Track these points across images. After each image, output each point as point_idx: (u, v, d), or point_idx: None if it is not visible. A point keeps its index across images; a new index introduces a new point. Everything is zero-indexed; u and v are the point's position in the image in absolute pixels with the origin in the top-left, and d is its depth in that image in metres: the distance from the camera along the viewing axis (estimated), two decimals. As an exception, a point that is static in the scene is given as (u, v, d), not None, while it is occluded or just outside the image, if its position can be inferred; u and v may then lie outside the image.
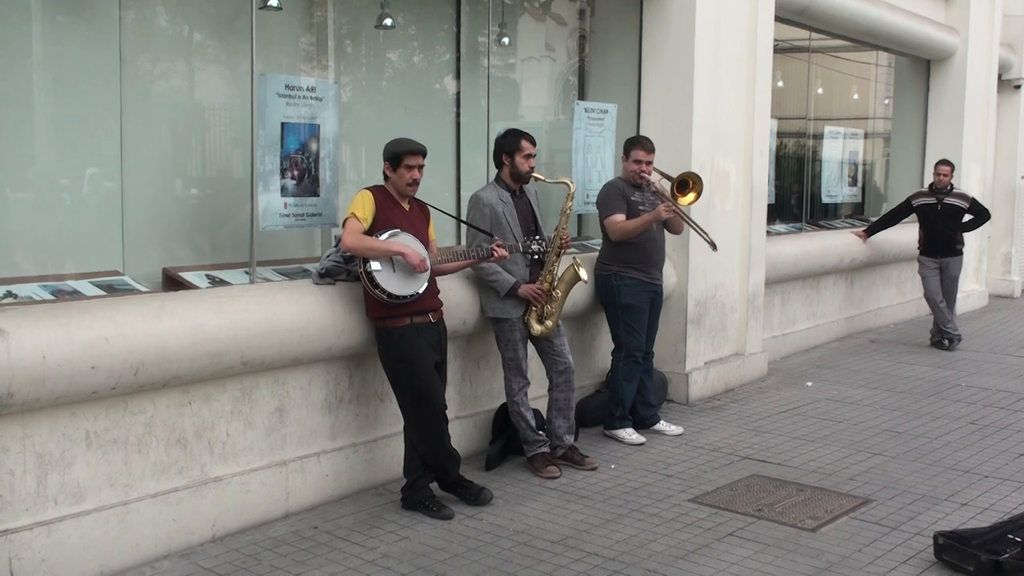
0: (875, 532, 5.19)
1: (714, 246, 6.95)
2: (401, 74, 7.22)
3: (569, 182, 6.27)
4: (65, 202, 5.32)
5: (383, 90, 7.08)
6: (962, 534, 4.83)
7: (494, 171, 6.30)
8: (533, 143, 6.05)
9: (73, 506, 4.46)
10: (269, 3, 5.78)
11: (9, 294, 4.67)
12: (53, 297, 4.76)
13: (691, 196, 6.74)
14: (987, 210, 10.68)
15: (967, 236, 10.76)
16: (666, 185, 6.88)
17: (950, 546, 4.74)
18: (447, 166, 7.21)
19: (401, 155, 5.26)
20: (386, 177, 5.34)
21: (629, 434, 6.78)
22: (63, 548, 4.38)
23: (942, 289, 10.39)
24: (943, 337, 10.43)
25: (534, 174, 6.08)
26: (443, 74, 7.43)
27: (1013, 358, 9.99)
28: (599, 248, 7.04)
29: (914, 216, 10.63)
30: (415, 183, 5.33)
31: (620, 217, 6.64)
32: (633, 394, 6.86)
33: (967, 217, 10.45)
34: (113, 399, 4.56)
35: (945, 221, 10.34)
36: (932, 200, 10.39)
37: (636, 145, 6.82)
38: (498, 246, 5.59)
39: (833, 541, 5.06)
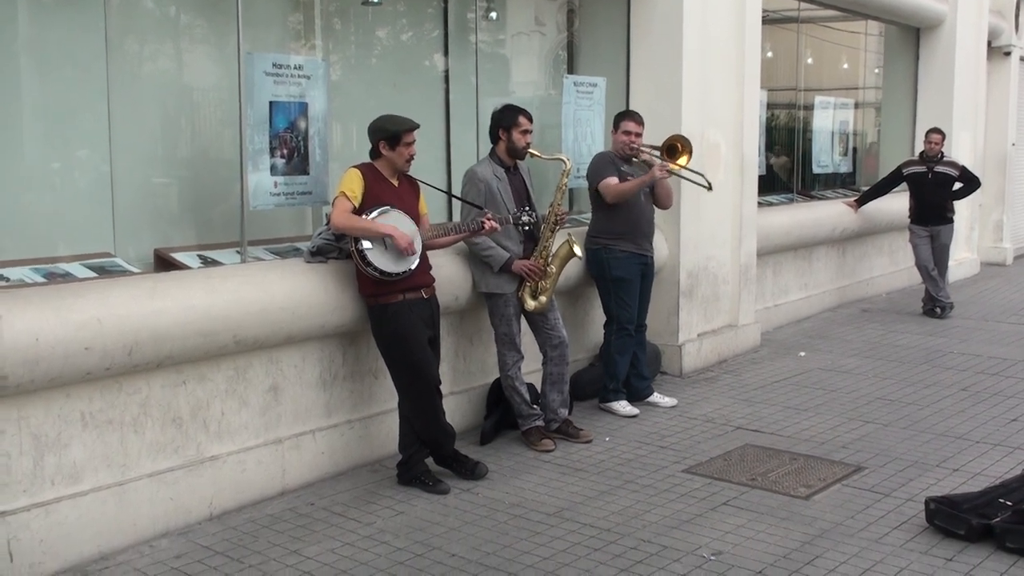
0: (867, 499, 5.23)
1: (710, 186, 6.91)
2: (389, 51, 7.20)
3: (565, 158, 6.27)
4: (55, 185, 5.31)
5: (371, 67, 7.06)
6: (953, 499, 4.87)
7: (484, 147, 6.30)
8: (530, 119, 6.05)
9: (70, 487, 4.48)
10: (255, -19, 5.76)
11: (0, 277, 4.66)
12: (45, 280, 4.76)
13: (684, 159, 6.78)
14: (977, 178, 10.70)
15: (958, 204, 10.79)
16: (656, 156, 6.87)
17: (941, 511, 4.78)
18: (437, 142, 7.19)
19: (399, 133, 5.27)
20: (377, 154, 5.34)
21: (623, 406, 6.81)
22: (61, 528, 4.40)
23: (933, 258, 10.42)
24: (935, 305, 10.47)
25: (530, 150, 6.08)
26: (432, 50, 7.41)
27: (1005, 325, 10.04)
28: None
29: (905, 185, 10.65)
30: (411, 159, 5.35)
31: (613, 180, 6.65)
32: (626, 367, 6.89)
33: (957, 185, 10.47)
34: (107, 380, 4.58)
35: (936, 189, 10.36)
36: (923, 168, 10.41)
37: (626, 117, 6.84)
38: (488, 218, 5.61)
39: (826, 508, 5.11)
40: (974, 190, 10.76)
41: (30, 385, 4.24)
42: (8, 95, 5.13)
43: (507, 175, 6.07)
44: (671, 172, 6.68)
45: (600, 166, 6.77)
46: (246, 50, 5.53)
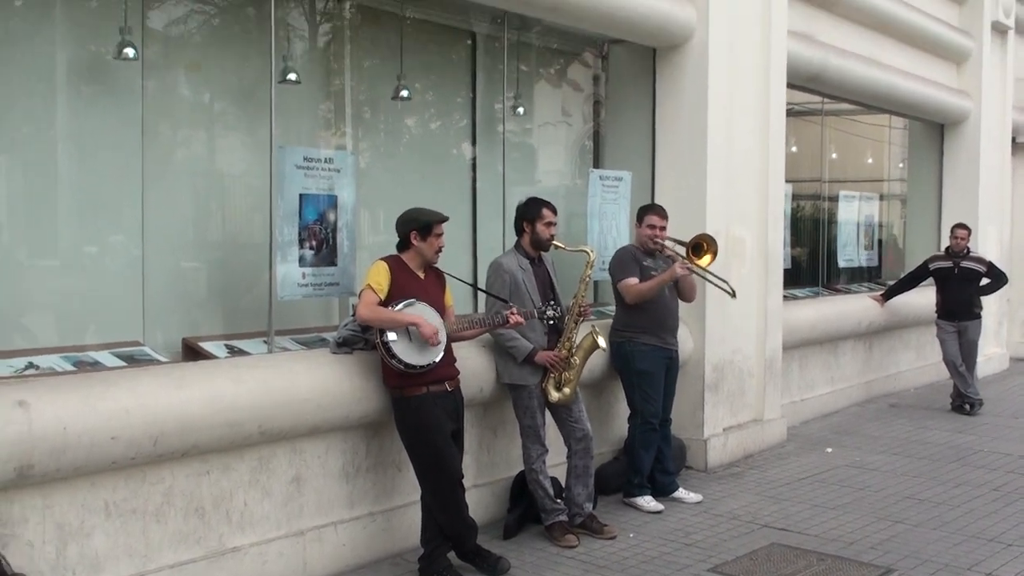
0: (898, 603, 5.12)
1: (733, 293, 6.90)
2: (418, 141, 7.33)
3: (589, 250, 6.31)
4: (87, 272, 5.40)
5: (400, 157, 7.18)
6: (986, 605, 4.77)
7: (511, 236, 6.36)
8: (554, 211, 6.12)
9: (91, 577, 4.46)
10: (288, 77, 5.90)
11: (31, 365, 4.72)
12: (74, 368, 4.80)
13: (707, 258, 6.73)
14: (1004, 274, 10.66)
15: (986, 299, 10.72)
16: (680, 250, 6.88)
17: (974, 617, 4.67)
18: (464, 232, 7.27)
19: (431, 224, 5.35)
20: (405, 246, 5.39)
21: (648, 502, 6.73)
22: (80, 620, 4.37)
23: (961, 353, 10.33)
24: (964, 401, 10.35)
25: (554, 242, 6.13)
26: (459, 140, 7.54)
27: (1035, 422, 9.91)
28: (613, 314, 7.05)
29: (931, 279, 10.62)
30: (440, 250, 5.45)
31: (633, 280, 6.66)
32: (651, 461, 6.83)
33: (984, 281, 10.43)
34: (132, 469, 4.58)
35: (962, 285, 10.31)
36: (949, 264, 10.38)
37: (650, 211, 6.87)
38: (513, 312, 5.63)
39: (855, 612, 5.00)
40: (1002, 286, 10.71)
41: (56, 474, 4.25)
42: (46, 182, 5.27)
43: (532, 266, 6.11)
44: (691, 271, 6.68)
45: (622, 263, 6.78)
46: (278, 141, 5.64)
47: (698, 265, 6.70)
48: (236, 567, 4.98)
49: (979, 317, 10.47)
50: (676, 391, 7.08)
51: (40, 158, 5.25)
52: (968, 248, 10.40)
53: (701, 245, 6.73)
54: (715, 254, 6.74)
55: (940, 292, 10.49)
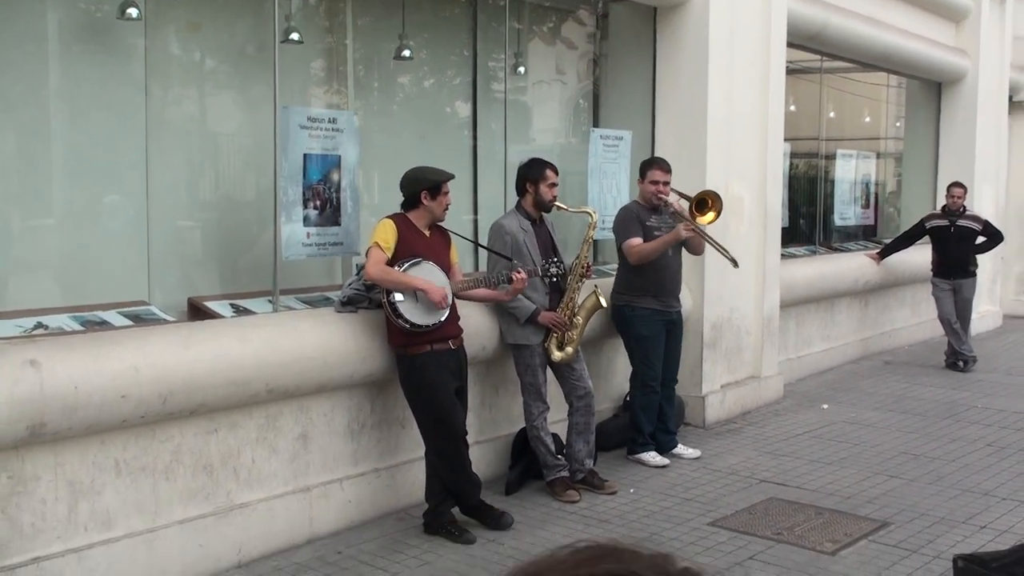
0: (894, 555, 5.22)
1: (735, 263, 6.94)
2: (418, 101, 7.33)
3: (591, 211, 6.33)
4: (93, 233, 5.42)
5: (401, 118, 7.18)
6: (982, 557, 4.85)
7: (512, 195, 6.38)
8: (556, 172, 6.13)
9: (103, 533, 4.53)
10: (291, 37, 5.89)
11: (40, 325, 4.76)
12: (83, 328, 4.85)
13: (710, 215, 6.72)
14: (1000, 232, 10.71)
15: (981, 257, 10.78)
16: (684, 205, 6.89)
17: (970, 569, 4.76)
18: (464, 191, 7.29)
19: (440, 183, 5.40)
20: (413, 205, 5.43)
21: (652, 457, 6.82)
22: (93, 575, 4.44)
23: (956, 311, 10.40)
24: (958, 359, 10.44)
25: (556, 203, 6.16)
26: (459, 99, 7.54)
27: (1029, 379, 10.01)
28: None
29: (927, 237, 10.67)
30: (448, 207, 5.50)
31: (637, 240, 6.66)
32: (653, 422, 6.89)
33: (980, 239, 10.48)
34: (142, 427, 4.65)
35: (958, 243, 10.36)
36: (945, 222, 10.42)
37: (653, 165, 6.83)
38: (517, 271, 5.68)
39: (853, 564, 5.10)
40: (997, 244, 10.77)
41: (67, 432, 4.31)
42: (49, 144, 5.27)
43: (533, 227, 6.14)
44: (695, 233, 6.67)
45: (625, 223, 6.77)
46: (281, 102, 5.65)
47: (701, 223, 6.71)
48: (244, 522, 5.06)
49: (974, 275, 10.54)
50: (673, 352, 7.11)
51: (40, 118, 5.26)
52: (964, 207, 10.44)
53: (706, 201, 6.73)
54: (719, 212, 6.74)
55: (936, 250, 10.55)
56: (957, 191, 10.38)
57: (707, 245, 6.90)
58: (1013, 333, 13.13)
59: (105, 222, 5.51)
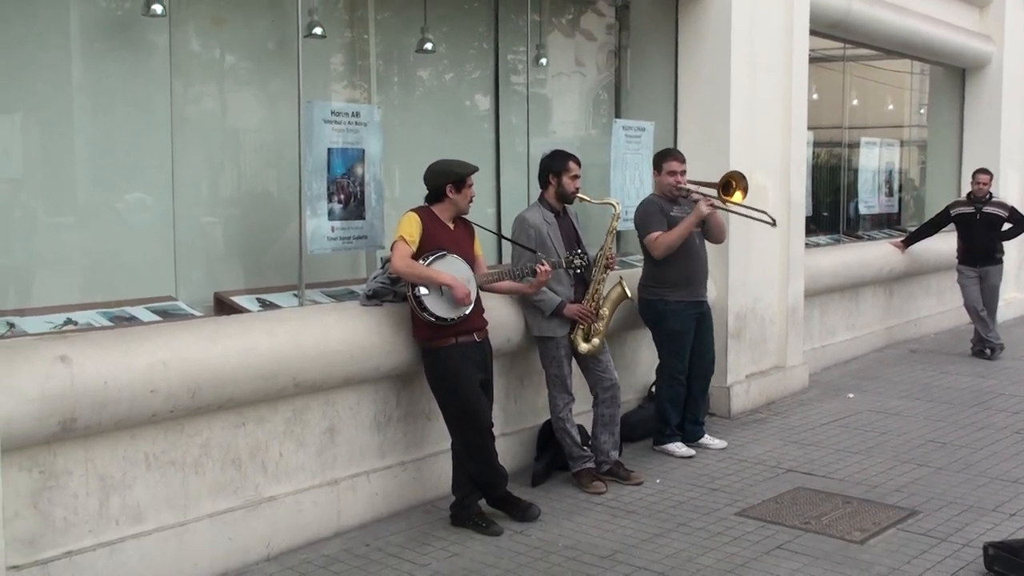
0: (924, 544, 5.20)
1: (774, 222, 6.87)
2: (439, 94, 7.33)
3: (614, 203, 6.32)
4: (119, 228, 5.46)
5: (423, 111, 7.18)
6: (1012, 544, 4.83)
7: (534, 188, 6.38)
8: (579, 164, 6.12)
9: (133, 527, 4.57)
10: (314, 32, 5.91)
11: (69, 321, 4.80)
12: (111, 323, 4.89)
13: (738, 195, 6.65)
14: (1027, 218, 10.63)
15: (1007, 244, 10.70)
16: (707, 192, 6.81)
17: (1000, 557, 4.74)
18: (487, 184, 7.29)
19: (465, 176, 5.41)
20: (438, 198, 5.44)
21: (679, 447, 6.81)
22: (124, 569, 4.48)
23: (982, 298, 10.34)
24: (985, 346, 10.38)
25: (579, 195, 6.15)
26: (480, 93, 7.54)
27: (1056, 366, 9.93)
28: (640, 265, 7.07)
29: (952, 225, 10.60)
30: (472, 200, 5.52)
31: (657, 233, 6.63)
32: (679, 414, 6.89)
33: (1007, 226, 10.40)
34: (171, 422, 4.68)
35: (984, 230, 10.29)
36: (971, 209, 10.35)
37: (668, 157, 6.79)
38: (541, 263, 5.68)
39: (882, 553, 5.08)
40: (1023, 231, 10.68)
41: (97, 427, 4.35)
42: (76, 140, 5.32)
43: (557, 219, 6.13)
44: (716, 207, 6.63)
45: (647, 216, 6.71)
46: (304, 96, 5.66)
47: (730, 202, 6.66)
48: (272, 516, 5.09)
49: (1000, 262, 10.46)
50: (706, 341, 7.05)
51: (65, 115, 5.29)
52: (990, 193, 10.37)
53: (730, 183, 6.66)
54: (746, 190, 6.66)
55: (962, 238, 10.48)
56: (983, 178, 10.30)
57: (728, 243, 6.82)
58: (1040, 320, 13.03)
59: (131, 218, 5.55)
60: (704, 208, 6.52)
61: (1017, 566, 4.65)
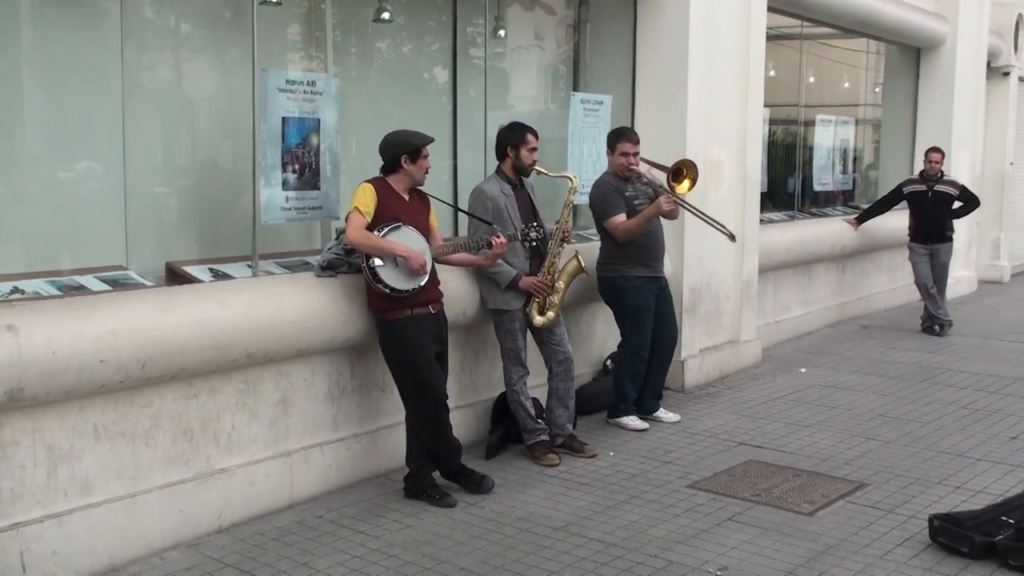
0: (871, 515, 5.28)
1: (732, 237, 6.95)
2: (397, 66, 7.27)
3: (572, 176, 6.32)
4: (69, 197, 5.36)
5: (380, 82, 7.12)
6: (956, 516, 4.92)
7: (491, 160, 6.36)
8: (536, 136, 6.11)
9: (82, 498, 4.52)
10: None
11: (16, 290, 4.71)
12: (60, 293, 4.81)
13: (686, 184, 6.68)
14: (976, 197, 10.78)
15: (957, 222, 10.85)
16: (659, 175, 6.89)
17: (945, 528, 4.83)
18: (444, 156, 7.25)
19: (420, 147, 5.37)
20: (393, 169, 5.39)
21: (633, 421, 6.85)
22: (73, 540, 4.44)
23: (932, 275, 10.49)
24: (934, 323, 10.54)
25: (537, 167, 6.13)
26: (438, 65, 7.48)
27: (1003, 343, 10.11)
28: (596, 238, 7.07)
29: (904, 203, 10.72)
30: (427, 171, 5.48)
31: (621, 218, 6.61)
32: (637, 390, 6.92)
33: (957, 204, 10.54)
34: (121, 392, 4.62)
35: (935, 208, 10.43)
36: (923, 187, 10.48)
37: (622, 137, 6.75)
38: (497, 236, 5.67)
39: (830, 525, 5.16)
40: (973, 209, 10.83)
41: (45, 397, 4.29)
42: (25, 108, 5.19)
43: (513, 191, 6.12)
44: (677, 204, 6.64)
45: (605, 199, 6.69)
46: (260, 66, 5.59)
47: (678, 193, 6.69)
48: (224, 488, 5.06)
49: (951, 240, 10.62)
50: (668, 314, 7.08)
51: (14, 84, 5.17)
52: (942, 172, 10.50)
53: (681, 170, 6.71)
54: (694, 181, 6.71)
55: (913, 215, 10.61)
56: (935, 156, 10.43)
57: (684, 216, 6.87)
58: (988, 297, 13.25)
59: (81, 187, 5.44)
60: (665, 206, 6.53)
61: (961, 537, 4.74)
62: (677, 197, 6.65)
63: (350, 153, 6.71)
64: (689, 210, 6.85)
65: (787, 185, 11.35)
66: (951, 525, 4.82)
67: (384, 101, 7.05)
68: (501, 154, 6.15)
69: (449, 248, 5.72)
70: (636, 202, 6.71)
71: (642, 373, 6.92)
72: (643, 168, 6.82)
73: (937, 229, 10.46)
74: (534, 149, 6.08)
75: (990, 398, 7.80)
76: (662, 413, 7.08)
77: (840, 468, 6.06)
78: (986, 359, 9.27)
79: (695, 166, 6.73)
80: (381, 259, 5.22)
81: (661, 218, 6.88)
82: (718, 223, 6.91)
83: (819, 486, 5.74)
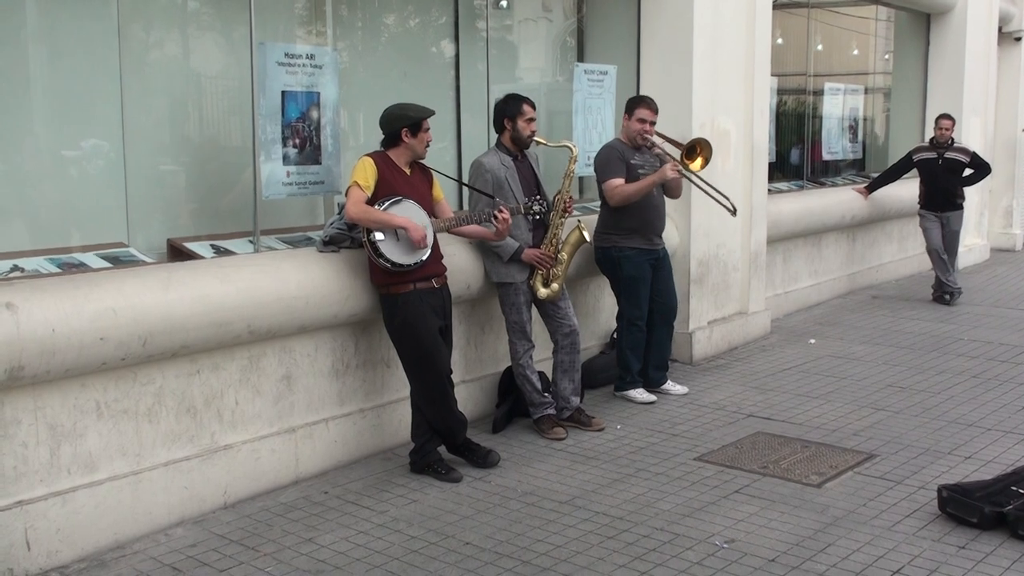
0: (880, 486, 5.24)
1: (734, 210, 6.88)
2: (399, 39, 7.20)
3: (571, 146, 6.26)
4: (68, 175, 5.33)
5: (383, 55, 7.05)
6: (966, 487, 4.88)
7: (494, 134, 6.30)
8: (533, 107, 6.04)
9: (86, 476, 4.51)
10: (266, -29, 5.76)
11: (16, 268, 4.69)
12: (60, 270, 4.78)
13: (698, 161, 6.59)
14: (988, 164, 10.66)
15: (968, 190, 10.75)
16: (671, 150, 6.79)
17: (954, 499, 4.79)
18: (448, 130, 7.19)
19: (420, 120, 5.32)
20: (393, 143, 5.34)
21: (640, 393, 6.82)
22: (77, 517, 4.43)
23: (943, 243, 10.40)
24: (944, 291, 10.46)
25: (535, 138, 6.07)
26: (441, 38, 7.41)
27: (1014, 311, 10.02)
28: (599, 210, 7.02)
29: (915, 171, 10.62)
30: (428, 144, 5.42)
31: (619, 181, 6.57)
32: (640, 361, 6.87)
33: (968, 171, 10.44)
34: (122, 370, 4.61)
35: (946, 175, 10.33)
36: (933, 155, 10.37)
37: (641, 104, 6.70)
38: (500, 209, 5.61)
39: (838, 496, 5.12)
40: (984, 176, 10.72)
41: (46, 375, 4.27)
42: (21, 85, 5.15)
43: (514, 163, 6.06)
44: (682, 175, 6.58)
45: (608, 162, 6.63)
46: (257, 39, 5.53)
47: (690, 169, 6.61)
48: (229, 464, 5.05)
49: (961, 208, 10.52)
50: (666, 284, 7.02)
51: (15, 61, 5.13)
52: (952, 139, 10.39)
53: (695, 148, 6.60)
54: (707, 160, 6.62)
55: (924, 183, 10.51)
56: (945, 123, 10.31)
57: (691, 187, 6.80)
58: (999, 266, 13.15)
59: (82, 164, 5.41)
60: (670, 173, 6.46)
61: (970, 507, 4.70)
62: (685, 170, 6.56)
63: (353, 127, 6.66)
64: (693, 181, 6.78)
65: (795, 155, 11.25)
66: (960, 495, 4.78)
67: (387, 74, 6.99)
68: (499, 126, 6.09)
69: (453, 222, 5.66)
70: (640, 171, 6.63)
71: (642, 343, 6.86)
72: (656, 141, 6.72)
73: (948, 197, 10.36)
74: (532, 120, 6.02)
75: (1001, 367, 7.74)
76: (670, 386, 7.04)
77: (849, 439, 6.02)
78: (997, 328, 9.20)
79: (710, 146, 6.62)
80: (382, 233, 5.17)
81: (664, 196, 6.83)
82: (721, 196, 6.83)
83: (828, 457, 5.70)
